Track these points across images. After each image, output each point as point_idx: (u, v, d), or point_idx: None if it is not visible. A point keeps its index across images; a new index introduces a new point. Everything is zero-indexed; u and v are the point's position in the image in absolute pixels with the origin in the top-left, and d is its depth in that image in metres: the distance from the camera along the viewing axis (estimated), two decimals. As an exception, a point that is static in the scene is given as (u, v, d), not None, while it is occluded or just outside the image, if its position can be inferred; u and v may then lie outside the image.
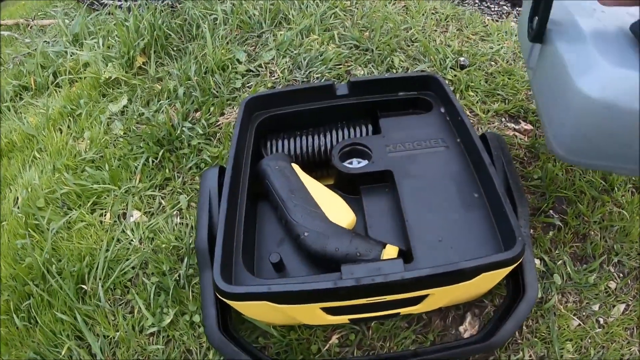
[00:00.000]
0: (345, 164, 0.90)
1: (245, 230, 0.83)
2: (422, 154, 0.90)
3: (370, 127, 0.98)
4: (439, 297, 0.77)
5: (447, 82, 0.98)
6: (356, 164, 0.91)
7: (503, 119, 1.11)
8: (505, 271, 0.74)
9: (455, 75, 1.16)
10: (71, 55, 1.42)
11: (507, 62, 1.22)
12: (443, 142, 0.91)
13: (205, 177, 0.90)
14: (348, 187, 0.89)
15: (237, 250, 0.80)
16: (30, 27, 1.63)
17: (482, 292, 0.87)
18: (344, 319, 0.81)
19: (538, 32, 0.79)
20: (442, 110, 0.96)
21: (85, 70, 1.34)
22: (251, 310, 0.79)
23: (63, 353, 0.92)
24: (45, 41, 1.53)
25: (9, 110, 1.40)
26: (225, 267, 0.75)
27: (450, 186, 0.85)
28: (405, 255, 0.78)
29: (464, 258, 0.74)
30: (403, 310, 0.81)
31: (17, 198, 1.19)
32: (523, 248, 0.73)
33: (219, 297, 0.74)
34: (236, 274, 0.78)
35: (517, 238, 0.73)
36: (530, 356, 0.85)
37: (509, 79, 1.18)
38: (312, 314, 0.76)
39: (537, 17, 0.79)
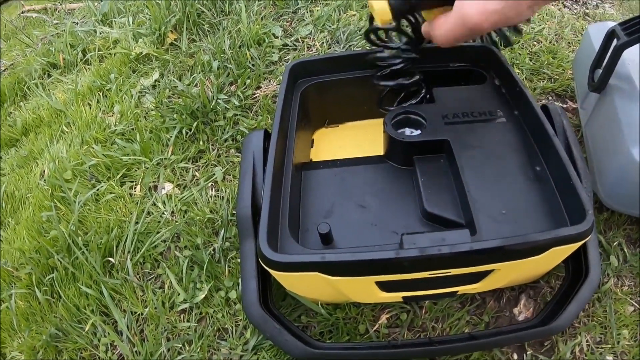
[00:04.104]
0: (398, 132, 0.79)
1: (291, 199, 0.72)
2: (479, 125, 0.79)
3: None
4: (502, 274, 0.66)
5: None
6: (409, 134, 0.79)
7: (550, 97, 1.01)
8: (574, 247, 0.64)
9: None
10: (100, 34, 1.31)
11: (551, 42, 1.12)
12: (500, 114, 0.80)
13: (250, 140, 0.79)
14: (401, 157, 0.78)
15: (283, 219, 0.69)
16: (58, 11, 1.52)
17: (543, 272, 0.76)
18: (397, 296, 0.70)
19: (599, 87, 0.81)
20: (497, 82, 0.85)
21: (115, 47, 1.23)
22: (298, 283, 0.67)
23: (87, 329, 0.81)
24: (74, 22, 1.43)
25: (37, 87, 1.29)
26: (271, 234, 0.64)
27: (511, 158, 0.75)
28: (467, 228, 0.67)
29: (529, 232, 0.63)
30: (461, 289, 0.70)
31: (44, 171, 1.09)
32: (593, 222, 0.62)
33: (265, 267, 0.63)
34: (282, 243, 0.67)
35: (588, 212, 0.62)
36: (587, 341, 0.74)
37: (554, 58, 1.07)
38: (365, 289, 0.65)
39: (599, 70, 0.81)
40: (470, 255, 0.59)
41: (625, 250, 0.81)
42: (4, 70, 1.39)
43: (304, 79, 0.89)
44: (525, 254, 0.62)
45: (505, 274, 0.66)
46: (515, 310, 0.77)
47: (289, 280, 0.67)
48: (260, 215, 0.65)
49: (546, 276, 0.78)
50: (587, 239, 0.63)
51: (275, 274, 0.63)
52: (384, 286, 0.66)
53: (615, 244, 0.82)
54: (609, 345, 0.73)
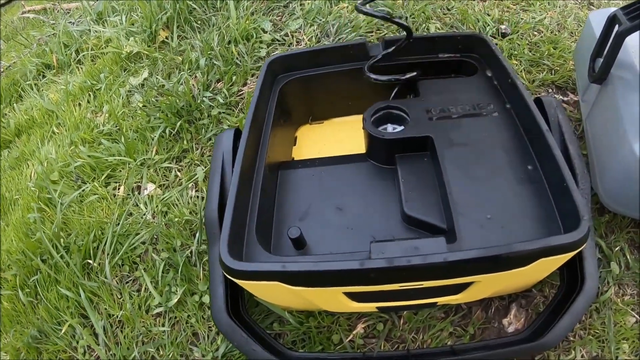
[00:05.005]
0: (379, 129, 0.72)
1: (262, 201, 0.66)
2: (467, 120, 0.71)
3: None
4: (485, 286, 0.58)
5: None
6: (391, 130, 0.72)
7: (550, 90, 0.92)
8: (565, 257, 0.56)
9: (496, 44, 0.97)
10: (94, 33, 1.27)
11: (552, 32, 1.02)
12: (490, 108, 0.72)
13: (220, 141, 0.74)
14: (382, 155, 0.71)
15: (251, 223, 0.63)
16: (57, 11, 1.49)
17: (533, 282, 0.68)
18: (371, 306, 0.63)
19: (600, 77, 0.72)
20: (489, 74, 0.77)
21: (107, 46, 1.19)
22: (263, 291, 0.62)
23: (63, 331, 0.77)
24: (70, 22, 1.40)
25: (32, 89, 1.27)
26: (235, 240, 0.59)
27: (500, 157, 0.67)
28: (448, 233, 0.60)
29: (517, 239, 0.56)
30: (441, 300, 0.63)
31: (33, 173, 1.06)
32: (588, 230, 0.54)
33: (226, 275, 0.57)
34: (248, 249, 0.61)
35: (582, 218, 0.54)
36: (582, 356, 0.66)
37: (555, 48, 0.98)
38: (334, 299, 0.59)
39: (600, 59, 0.73)
40: (445, 267, 0.52)
41: (628, 256, 0.72)
42: (2, 72, 1.37)
43: (284, 74, 0.82)
44: (508, 265, 0.54)
45: (487, 286, 0.58)
46: (505, 321, 0.69)
47: (253, 289, 0.61)
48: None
49: (539, 284, 0.71)
50: (580, 248, 0.55)
51: (237, 282, 0.58)
52: (355, 296, 0.59)
53: (617, 249, 0.73)
54: (606, 361, 0.65)
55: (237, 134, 0.75)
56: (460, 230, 0.59)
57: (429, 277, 0.53)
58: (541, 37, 1.01)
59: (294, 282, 0.54)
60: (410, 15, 1.03)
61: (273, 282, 0.55)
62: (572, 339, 0.67)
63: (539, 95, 0.75)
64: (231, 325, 0.63)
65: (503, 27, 1.01)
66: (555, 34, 1.01)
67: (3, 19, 1.57)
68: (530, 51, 0.97)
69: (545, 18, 1.05)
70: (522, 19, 1.04)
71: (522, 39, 0.99)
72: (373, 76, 0.76)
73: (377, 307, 0.63)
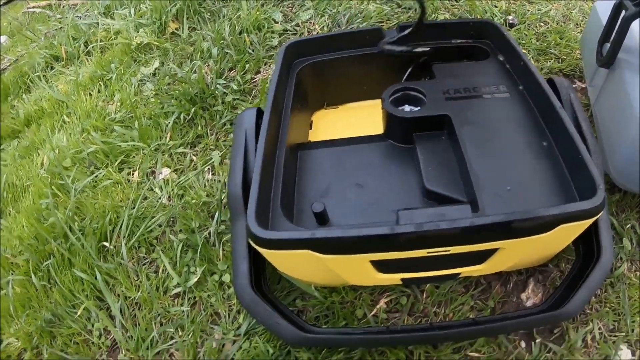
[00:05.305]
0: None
1: (285, 178, 0.67)
2: (482, 101, 0.73)
3: None
4: (507, 254, 0.60)
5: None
6: (408, 111, 0.75)
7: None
8: (584, 224, 0.58)
9: (505, 32, 1.00)
10: (102, 26, 1.29)
11: (558, 23, 1.06)
12: (504, 89, 0.75)
13: (242, 118, 0.75)
14: (400, 134, 0.73)
15: (275, 197, 0.65)
16: (62, 6, 1.51)
17: (551, 254, 0.70)
18: (395, 278, 0.65)
19: (608, 61, 0.75)
20: (501, 58, 0.80)
21: (116, 37, 1.21)
22: (289, 262, 0.63)
23: (79, 313, 0.77)
24: (77, 16, 1.41)
25: (40, 80, 1.27)
26: (261, 212, 0.60)
27: (516, 134, 0.69)
28: (470, 205, 0.62)
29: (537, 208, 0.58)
30: (464, 270, 0.64)
31: (44, 160, 1.06)
32: (604, 199, 0.56)
33: (254, 245, 0.58)
34: (273, 221, 0.62)
35: (599, 186, 0.56)
36: (599, 329, 0.67)
37: (561, 38, 1.01)
38: (360, 269, 0.60)
39: (607, 44, 0.75)
40: (471, 231, 0.54)
41: (639, 233, 0.75)
42: (9, 66, 1.38)
43: (300, 59, 0.84)
44: (531, 231, 0.56)
45: (511, 253, 0.60)
46: (523, 296, 0.71)
47: (279, 260, 0.62)
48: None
49: (555, 259, 0.72)
50: (598, 215, 0.57)
51: (264, 252, 0.59)
52: (381, 266, 0.61)
53: (628, 226, 0.76)
54: (623, 333, 0.67)
55: (259, 112, 0.76)
56: (483, 201, 0.60)
57: (456, 242, 0.55)
58: (547, 27, 1.04)
59: (324, 250, 0.56)
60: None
61: (302, 250, 0.56)
62: (589, 311, 0.69)
63: (551, 76, 0.77)
64: (255, 299, 0.63)
65: (510, 18, 1.05)
66: (561, 25, 1.04)
67: (7, 15, 1.58)
68: (537, 41, 1.00)
69: (550, 10, 1.09)
70: (528, 10, 1.08)
71: (529, 29, 1.03)
72: (387, 46, 0.79)
73: (402, 279, 0.65)
